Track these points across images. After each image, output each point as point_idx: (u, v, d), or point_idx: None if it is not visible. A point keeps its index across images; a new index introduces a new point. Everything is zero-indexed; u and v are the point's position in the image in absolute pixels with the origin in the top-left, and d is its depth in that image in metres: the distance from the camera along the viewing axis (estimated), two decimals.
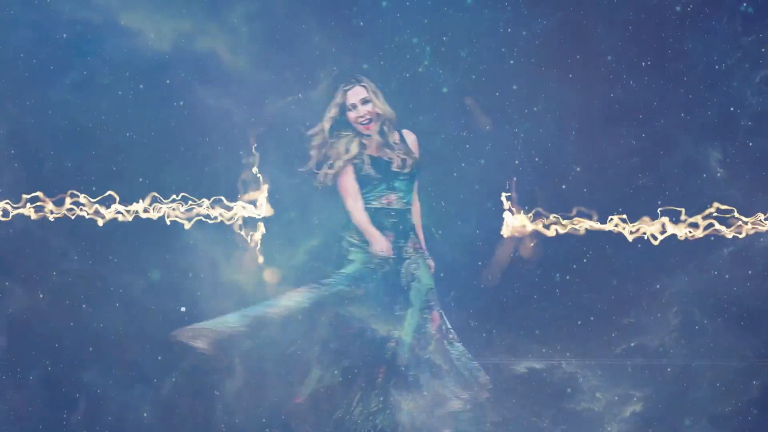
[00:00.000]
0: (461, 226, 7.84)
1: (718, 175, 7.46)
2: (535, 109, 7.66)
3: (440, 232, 7.07)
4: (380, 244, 6.23)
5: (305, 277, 7.27)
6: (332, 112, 6.22)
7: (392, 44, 7.80)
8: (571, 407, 6.45)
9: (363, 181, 6.26)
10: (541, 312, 7.54)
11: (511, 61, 7.75)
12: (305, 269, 7.24)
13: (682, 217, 7.27)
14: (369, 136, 6.24)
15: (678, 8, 7.75)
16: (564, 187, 7.54)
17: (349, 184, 6.29)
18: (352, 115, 6.17)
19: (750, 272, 7.38)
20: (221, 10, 6.46)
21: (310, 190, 7.74)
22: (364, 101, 6.18)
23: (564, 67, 7.73)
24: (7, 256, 5.58)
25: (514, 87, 7.61)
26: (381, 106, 6.22)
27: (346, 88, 6.19)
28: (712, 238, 7.39)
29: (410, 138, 6.57)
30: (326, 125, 6.24)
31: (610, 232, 7.67)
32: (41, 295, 5.39)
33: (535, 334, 7.32)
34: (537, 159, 7.64)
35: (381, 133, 6.28)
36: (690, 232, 6.23)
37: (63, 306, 5.57)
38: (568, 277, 7.81)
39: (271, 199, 7.45)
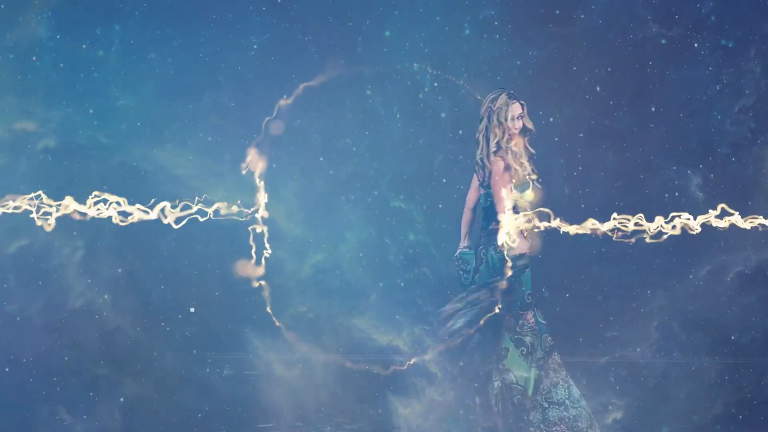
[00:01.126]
0: (458, 243, 7.78)
1: (698, 198, 7.63)
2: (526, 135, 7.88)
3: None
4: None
5: (310, 289, 7.56)
6: (496, 122, 6.35)
7: (395, 72, 8.04)
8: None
9: (524, 186, 6.39)
10: None
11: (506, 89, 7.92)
12: (310, 281, 7.57)
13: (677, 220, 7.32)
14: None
15: (663, 41, 7.97)
16: (552, 208, 7.71)
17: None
18: (509, 124, 6.35)
19: (725, 290, 7.55)
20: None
21: (314, 202, 8.01)
22: (520, 116, 6.37)
23: (555, 95, 7.94)
24: (124, 355, 6.96)
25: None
26: (530, 123, 6.41)
27: (511, 102, 6.36)
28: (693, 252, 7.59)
29: None
30: (514, 134, 6.40)
31: (596, 252, 7.75)
32: (146, 384, 6.29)
33: None
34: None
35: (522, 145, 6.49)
36: (690, 223, 6.13)
37: (163, 391, 6.51)
38: (556, 293, 7.97)
39: (276, 209, 7.70)
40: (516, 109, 6.33)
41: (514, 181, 6.33)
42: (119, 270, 7.52)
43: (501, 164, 6.29)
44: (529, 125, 6.39)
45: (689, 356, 7.66)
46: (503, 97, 6.36)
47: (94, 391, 6.43)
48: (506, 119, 6.33)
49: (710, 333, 7.78)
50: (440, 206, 8.14)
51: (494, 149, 6.32)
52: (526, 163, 6.37)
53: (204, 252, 7.93)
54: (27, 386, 6.42)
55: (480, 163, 6.37)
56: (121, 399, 6.32)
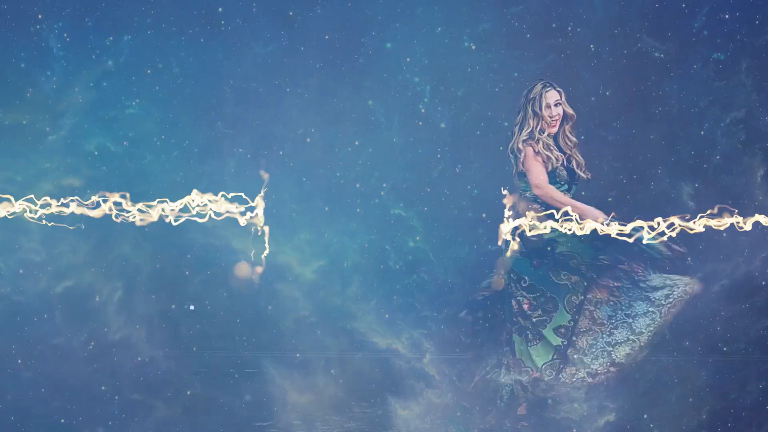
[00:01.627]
0: (455, 250, 8.22)
1: (689, 207, 7.60)
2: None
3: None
4: (598, 213, 6.28)
5: (311, 293, 7.62)
6: (531, 112, 6.30)
7: (395, 83, 8.17)
8: (551, 416, 6.43)
9: (552, 180, 6.37)
10: None
11: (503, 101, 8.02)
12: (312, 286, 7.59)
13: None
14: (554, 135, 6.38)
15: (656, 54, 8.10)
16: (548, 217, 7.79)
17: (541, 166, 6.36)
18: (546, 112, 6.29)
19: (714, 297, 7.35)
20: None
21: (316, 208, 8.11)
22: (557, 103, 6.32)
23: None
24: (155, 381, 7.35)
25: (506, 124, 7.81)
26: (570, 109, 6.36)
27: (545, 90, 6.30)
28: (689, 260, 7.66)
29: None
30: (549, 122, 6.33)
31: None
32: (178, 410, 6.63)
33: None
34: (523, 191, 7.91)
35: (564, 133, 6.40)
36: (689, 225, 6.11)
37: (191, 416, 6.80)
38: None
39: (280, 214, 7.78)
40: (551, 96, 6.27)
41: (548, 168, 6.29)
42: (152, 306, 8.14)
43: (530, 150, 6.24)
44: (569, 111, 6.33)
45: (679, 360, 7.74)
46: (538, 87, 6.28)
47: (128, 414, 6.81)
48: (541, 108, 6.26)
49: (700, 338, 7.87)
50: (425, 209, 8.23)
51: (525, 138, 6.27)
52: (555, 156, 6.30)
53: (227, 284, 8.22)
54: (70, 409, 6.81)
55: (510, 153, 6.35)
56: (154, 421, 6.70)
